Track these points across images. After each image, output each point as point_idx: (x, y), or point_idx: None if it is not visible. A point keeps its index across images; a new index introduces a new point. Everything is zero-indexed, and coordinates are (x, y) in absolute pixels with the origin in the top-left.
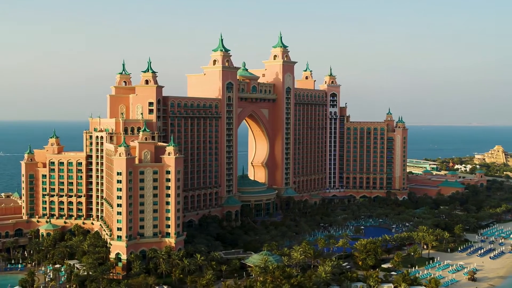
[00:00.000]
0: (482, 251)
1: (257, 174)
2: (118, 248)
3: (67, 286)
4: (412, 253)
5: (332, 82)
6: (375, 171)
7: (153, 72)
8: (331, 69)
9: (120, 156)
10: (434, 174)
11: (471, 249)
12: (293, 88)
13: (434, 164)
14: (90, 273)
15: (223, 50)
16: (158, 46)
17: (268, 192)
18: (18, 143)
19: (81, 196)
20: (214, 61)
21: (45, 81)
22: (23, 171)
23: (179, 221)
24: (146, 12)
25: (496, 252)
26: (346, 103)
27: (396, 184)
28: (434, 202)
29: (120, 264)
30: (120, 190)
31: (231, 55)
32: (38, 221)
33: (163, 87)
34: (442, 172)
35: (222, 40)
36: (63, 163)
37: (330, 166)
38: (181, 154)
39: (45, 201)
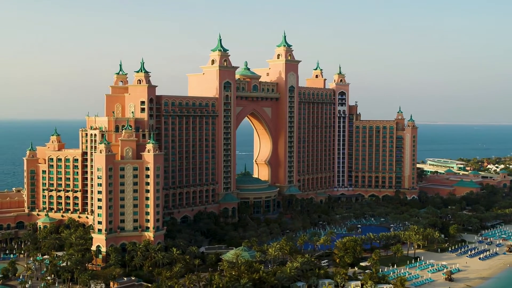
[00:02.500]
0: (473, 252)
1: (261, 172)
2: (99, 240)
3: (46, 275)
4: (394, 252)
5: (341, 80)
6: (384, 170)
7: (146, 72)
8: (340, 68)
9: (100, 152)
10: (461, 174)
11: (463, 249)
12: (297, 86)
13: (462, 164)
14: (69, 263)
15: (221, 50)
16: (165, 46)
17: (268, 190)
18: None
19: (77, 191)
20: (212, 61)
21: (52, 80)
22: (25, 167)
23: (159, 216)
24: (151, 10)
25: (488, 253)
26: (356, 102)
27: (405, 184)
28: (442, 202)
29: (100, 256)
30: (100, 186)
31: (229, 55)
32: (38, 215)
33: (156, 86)
34: (468, 172)
35: (220, 40)
36: (61, 159)
37: (339, 164)
38: (161, 151)
39: (45, 196)
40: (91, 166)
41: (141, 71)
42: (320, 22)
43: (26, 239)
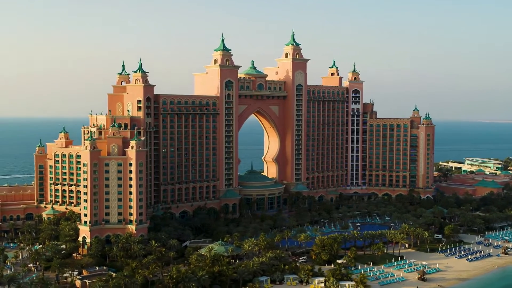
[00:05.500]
0: (463, 253)
1: (270, 169)
2: (84, 232)
3: (32, 263)
4: (375, 250)
5: (355, 78)
6: (398, 168)
7: (143, 72)
8: (354, 66)
9: (86, 149)
10: (497, 174)
11: (453, 250)
12: (305, 85)
13: (499, 164)
14: (50, 252)
15: (223, 50)
16: (183, 44)
17: (271, 187)
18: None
19: (79, 185)
20: (215, 60)
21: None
22: (34, 162)
23: (142, 210)
24: (165, 8)
25: (480, 254)
26: (372, 100)
27: (420, 183)
28: (456, 202)
29: (86, 247)
30: (86, 180)
31: (231, 55)
32: (45, 207)
33: (153, 86)
34: (498, 172)
35: (223, 40)
36: (65, 155)
37: (352, 163)
38: (144, 148)
39: (52, 189)
40: None
41: (139, 71)
42: (337, 19)
43: (27, 230)
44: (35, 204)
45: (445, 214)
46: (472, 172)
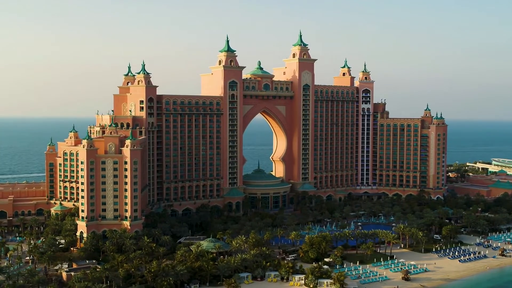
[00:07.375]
0: (457, 254)
1: (277, 169)
2: (81, 227)
3: (29, 256)
4: (365, 250)
5: (366, 78)
6: (408, 168)
7: (145, 74)
8: (365, 65)
9: (83, 147)
10: None
11: (447, 251)
12: (313, 85)
13: None
14: (47, 246)
15: (227, 51)
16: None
17: (276, 186)
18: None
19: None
20: (219, 61)
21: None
22: (45, 160)
23: (136, 207)
24: (176, 11)
25: (474, 255)
26: (383, 100)
27: (430, 183)
28: (465, 203)
29: (83, 241)
30: (83, 177)
31: (236, 56)
32: (55, 203)
33: (156, 86)
34: None
35: (228, 41)
36: (73, 153)
37: (362, 163)
38: (139, 147)
39: (61, 186)
40: None
41: (142, 72)
42: (350, 19)
43: (34, 224)
44: (46, 200)
45: (451, 215)
46: (495, 173)
